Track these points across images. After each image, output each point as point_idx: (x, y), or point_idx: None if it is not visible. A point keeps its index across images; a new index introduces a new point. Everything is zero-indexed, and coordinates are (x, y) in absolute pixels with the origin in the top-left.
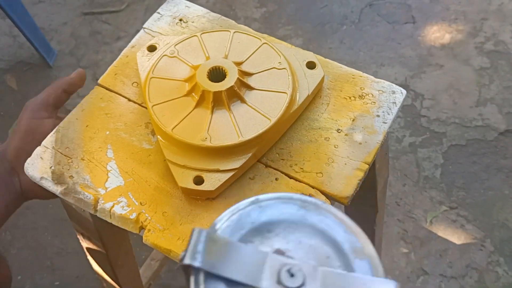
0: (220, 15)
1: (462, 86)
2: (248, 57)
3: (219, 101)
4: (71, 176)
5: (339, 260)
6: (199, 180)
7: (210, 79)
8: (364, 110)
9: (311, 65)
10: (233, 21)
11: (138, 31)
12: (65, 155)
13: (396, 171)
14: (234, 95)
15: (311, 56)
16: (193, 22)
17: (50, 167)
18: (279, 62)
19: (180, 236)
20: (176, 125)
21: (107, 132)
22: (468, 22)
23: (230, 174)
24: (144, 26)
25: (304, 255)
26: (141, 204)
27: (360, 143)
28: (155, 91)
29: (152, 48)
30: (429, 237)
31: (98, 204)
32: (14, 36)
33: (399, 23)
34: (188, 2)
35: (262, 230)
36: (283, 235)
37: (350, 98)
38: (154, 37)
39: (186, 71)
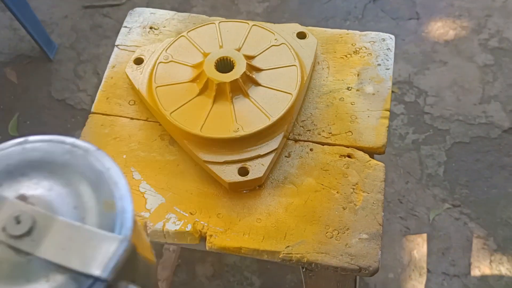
0: (189, 13)
1: (466, 83)
2: (244, 41)
3: (236, 89)
4: None
5: (84, 212)
6: (244, 171)
7: (218, 70)
8: (364, 63)
9: (301, 35)
10: (205, 16)
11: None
12: None
13: (399, 168)
14: (249, 80)
15: (299, 27)
16: (164, 27)
17: None
18: (275, 39)
19: (244, 231)
20: (203, 124)
21: (124, 156)
22: (473, 18)
23: (271, 156)
24: (116, 43)
25: (48, 203)
26: (191, 214)
27: (373, 94)
28: (166, 98)
29: (139, 61)
30: (431, 235)
31: (148, 227)
32: (15, 29)
33: (403, 19)
34: (151, 8)
35: (16, 173)
36: (36, 180)
37: (346, 56)
38: (132, 51)
39: (188, 72)
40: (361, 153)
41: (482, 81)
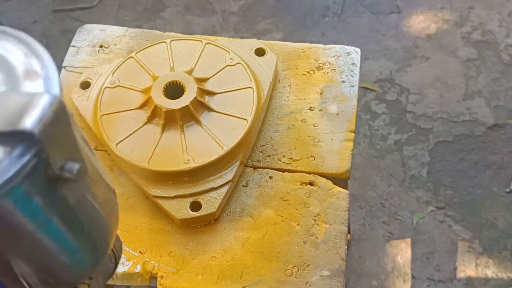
0: (142, 29)
1: (449, 79)
2: (197, 62)
3: (187, 116)
4: None
5: (14, 83)
6: (196, 206)
7: (167, 95)
8: (328, 80)
9: (260, 52)
10: (159, 32)
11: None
12: None
13: (381, 170)
14: (201, 106)
15: (256, 43)
16: (115, 45)
17: None
18: (231, 59)
19: (198, 271)
20: (151, 156)
21: None
22: (455, 10)
23: (225, 188)
24: (63, 64)
25: None
26: (141, 253)
27: (337, 114)
28: (112, 128)
29: (85, 85)
30: (415, 240)
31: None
32: None
33: (384, 13)
34: (102, 25)
35: None
36: None
37: (309, 72)
38: (80, 73)
39: (136, 97)
40: (323, 180)
41: (466, 76)
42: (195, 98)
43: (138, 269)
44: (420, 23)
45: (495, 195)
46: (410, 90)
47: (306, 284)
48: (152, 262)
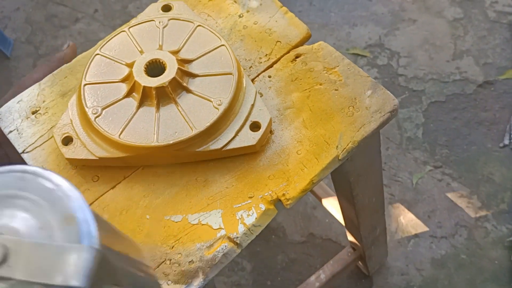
0: (52, 74)
1: (437, 40)
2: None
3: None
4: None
5: (49, 230)
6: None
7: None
8: None
9: None
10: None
11: (96, 10)
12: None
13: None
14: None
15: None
16: (44, 101)
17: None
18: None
19: (298, 169)
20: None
21: None
22: None
23: None
24: (21, 151)
25: (14, 229)
26: (250, 197)
27: (260, 4)
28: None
29: (67, 140)
30: (416, 199)
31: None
32: None
33: None
34: (14, 98)
35: None
36: None
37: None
38: (43, 149)
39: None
40: (302, 48)
41: (453, 36)
42: (174, 78)
43: (263, 207)
44: None
45: (489, 150)
46: (400, 53)
47: (366, 109)
48: (266, 194)
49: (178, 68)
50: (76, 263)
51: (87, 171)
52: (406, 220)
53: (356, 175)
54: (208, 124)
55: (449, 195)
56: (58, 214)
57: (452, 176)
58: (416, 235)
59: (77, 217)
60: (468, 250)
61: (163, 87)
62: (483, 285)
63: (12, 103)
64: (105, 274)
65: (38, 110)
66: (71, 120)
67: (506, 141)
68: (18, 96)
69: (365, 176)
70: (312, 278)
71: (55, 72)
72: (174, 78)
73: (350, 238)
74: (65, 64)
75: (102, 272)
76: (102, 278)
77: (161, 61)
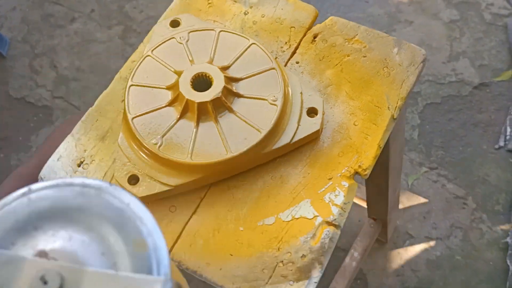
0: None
1: (433, 41)
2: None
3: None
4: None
5: (114, 257)
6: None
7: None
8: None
9: None
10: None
11: (93, 10)
12: None
13: None
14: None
15: None
16: (91, 155)
17: None
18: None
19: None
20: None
21: None
22: None
23: None
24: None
25: (72, 254)
26: (329, 179)
27: (257, 1)
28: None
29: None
30: (411, 200)
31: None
32: None
33: None
34: (53, 155)
35: (28, 228)
36: (52, 232)
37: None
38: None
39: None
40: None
41: (449, 38)
42: (224, 87)
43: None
44: None
45: (485, 152)
46: None
47: (400, 66)
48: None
49: (224, 76)
50: None
51: (160, 205)
52: (402, 221)
53: (394, 134)
54: (274, 121)
55: (445, 196)
56: (125, 238)
57: (448, 177)
58: (411, 236)
59: (148, 243)
60: (463, 252)
61: (219, 98)
62: (478, 287)
63: (52, 162)
64: None
65: (83, 160)
66: (128, 159)
67: (502, 143)
68: (54, 154)
69: (396, 132)
70: (347, 259)
71: (83, 118)
72: (224, 87)
73: (371, 210)
74: (90, 108)
75: None
76: None
77: (205, 74)
